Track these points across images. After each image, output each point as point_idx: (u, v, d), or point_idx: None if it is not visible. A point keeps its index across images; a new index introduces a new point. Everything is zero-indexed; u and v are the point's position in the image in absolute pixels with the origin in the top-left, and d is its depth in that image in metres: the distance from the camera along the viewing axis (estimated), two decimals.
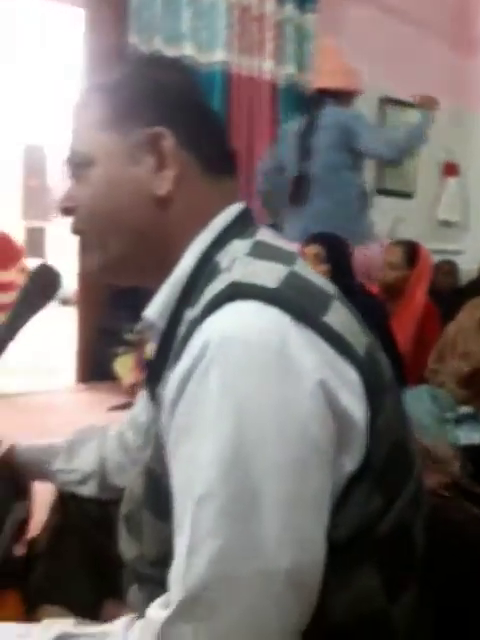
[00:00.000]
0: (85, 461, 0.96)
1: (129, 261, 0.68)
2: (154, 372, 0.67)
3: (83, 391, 3.20)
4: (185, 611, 0.51)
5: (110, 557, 0.89)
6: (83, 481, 0.96)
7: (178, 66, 0.74)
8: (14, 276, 4.10)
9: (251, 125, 3.29)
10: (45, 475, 0.98)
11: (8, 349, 0.78)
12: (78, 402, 3.05)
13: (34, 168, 7.84)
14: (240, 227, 0.66)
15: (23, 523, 0.94)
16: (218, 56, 3.18)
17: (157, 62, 0.74)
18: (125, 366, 2.96)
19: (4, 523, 0.87)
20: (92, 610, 0.91)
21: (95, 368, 3.21)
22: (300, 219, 2.77)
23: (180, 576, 0.52)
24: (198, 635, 0.51)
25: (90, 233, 0.69)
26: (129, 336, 3.03)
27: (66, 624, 0.60)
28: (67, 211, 0.70)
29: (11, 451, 0.96)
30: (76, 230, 0.70)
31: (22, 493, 0.94)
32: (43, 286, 0.79)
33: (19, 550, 0.96)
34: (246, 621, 0.51)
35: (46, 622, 0.60)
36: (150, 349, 2.35)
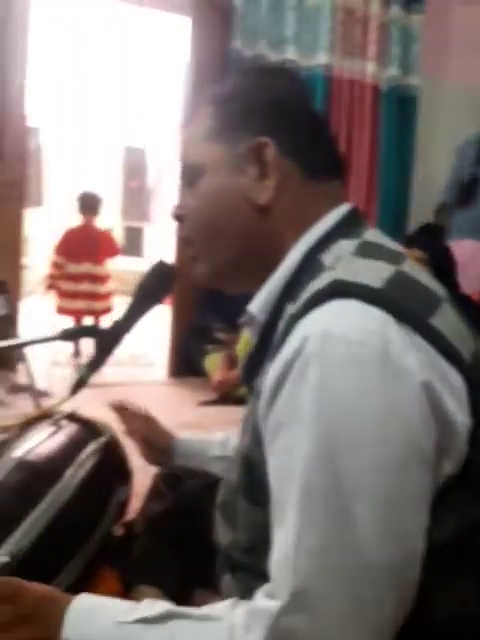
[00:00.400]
0: None
1: (234, 267, 0.71)
2: (253, 364, 0.68)
3: (174, 385, 3.30)
4: (296, 603, 0.53)
5: (202, 546, 0.92)
6: None
7: (286, 74, 0.75)
8: (109, 270, 4.34)
9: (351, 127, 3.26)
10: (203, 463, 1.05)
11: (123, 341, 0.82)
12: (169, 395, 3.15)
13: (134, 170, 8.15)
14: (347, 227, 0.67)
15: (123, 506, 0.99)
16: (320, 59, 3.18)
17: (265, 71, 0.76)
18: (214, 363, 3.02)
19: (109, 505, 0.91)
20: (183, 596, 0.94)
21: (186, 364, 3.30)
22: (471, 219, 2.87)
23: (287, 567, 0.53)
24: (311, 626, 0.52)
25: (196, 241, 0.72)
26: (219, 335, 3.09)
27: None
28: (179, 218, 0.73)
29: (118, 438, 1.01)
30: (184, 238, 0.73)
31: (125, 478, 0.99)
32: (159, 282, 0.83)
33: (118, 531, 1.01)
34: (350, 613, 0.52)
35: (148, 601, 0.62)
36: (241, 346, 2.37)
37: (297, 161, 0.68)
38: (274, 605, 0.53)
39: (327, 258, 0.63)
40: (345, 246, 0.63)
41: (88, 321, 4.24)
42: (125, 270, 6.51)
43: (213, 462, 1.04)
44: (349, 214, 0.68)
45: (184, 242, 0.73)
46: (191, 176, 0.71)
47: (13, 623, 0.60)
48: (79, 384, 0.83)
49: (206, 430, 2.54)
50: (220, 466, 1.02)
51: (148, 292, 0.82)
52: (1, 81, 2.96)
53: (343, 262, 0.60)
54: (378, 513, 0.51)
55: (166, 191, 6.33)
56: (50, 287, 4.18)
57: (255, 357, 0.67)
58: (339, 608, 0.52)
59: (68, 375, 3.45)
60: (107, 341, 0.82)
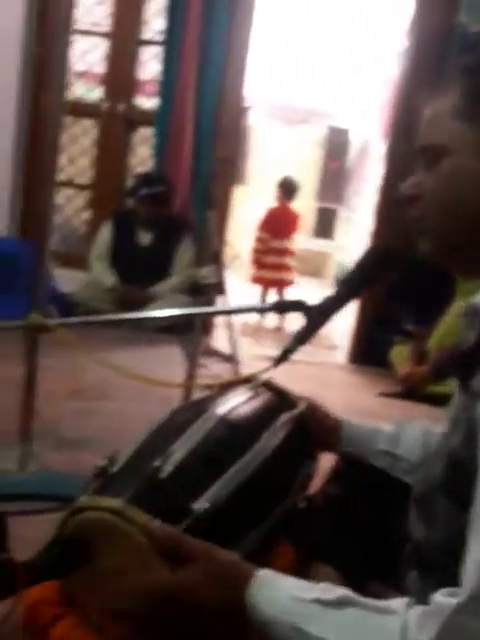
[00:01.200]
0: (410, 449, 0.97)
1: (462, 250, 0.68)
2: (470, 361, 0.64)
3: (353, 371, 3.27)
4: (474, 604, 0.50)
5: (383, 538, 0.90)
6: (410, 471, 0.95)
7: None
8: (292, 244, 4.80)
9: None
10: (365, 453, 1.00)
11: (332, 319, 0.82)
12: (348, 381, 3.13)
13: (335, 150, 8.07)
14: None
15: (308, 479, 1.00)
16: None
17: None
18: (401, 356, 2.93)
19: (297, 476, 0.93)
20: (359, 584, 0.93)
21: (367, 352, 3.26)
22: None
23: (475, 571, 0.51)
24: None
25: (428, 220, 0.69)
26: (409, 327, 2.98)
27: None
28: (411, 199, 0.70)
29: (308, 411, 1.02)
30: (414, 217, 0.71)
31: (312, 452, 1.00)
32: (377, 263, 0.81)
33: (300, 504, 1.03)
34: None
35: (327, 585, 0.62)
36: (434, 341, 2.24)
37: None
38: (452, 602, 0.52)
39: None
40: None
41: (273, 293, 4.73)
42: (309, 250, 6.54)
43: (378, 456, 0.99)
44: None
45: (414, 221, 0.71)
46: (432, 157, 0.67)
47: (201, 581, 0.62)
48: (284, 356, 0.85)
49: (382, 421, 2.47)
50: (384, 462, 0.97)
51: (366, 273, 0.81)
52: (225, 60, 3.12)
53: None
54: None
55: (364, 173, 6.19)
56: (255, 260, 4.85)
57: (473, 354, 0.63)
58: None
59: (252, 345, 3.59)
60: (317, 317, 0.82)
